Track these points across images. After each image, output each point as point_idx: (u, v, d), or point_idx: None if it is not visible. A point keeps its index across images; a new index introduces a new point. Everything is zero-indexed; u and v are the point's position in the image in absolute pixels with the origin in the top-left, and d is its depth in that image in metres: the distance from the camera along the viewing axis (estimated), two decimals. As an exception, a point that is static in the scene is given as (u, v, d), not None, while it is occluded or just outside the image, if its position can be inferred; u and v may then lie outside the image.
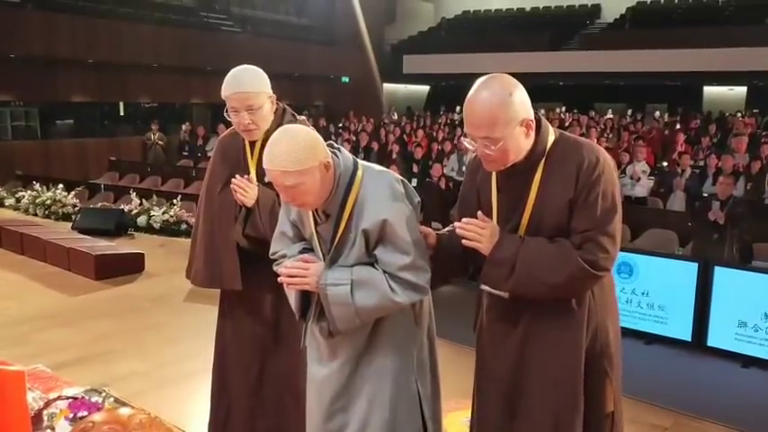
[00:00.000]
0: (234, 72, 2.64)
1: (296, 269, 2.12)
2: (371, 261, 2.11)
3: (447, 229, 2.29)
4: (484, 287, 2.18)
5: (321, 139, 2.07)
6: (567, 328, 2.08)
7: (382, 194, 2.08)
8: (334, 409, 2.22)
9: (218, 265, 2.80)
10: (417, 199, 2.18)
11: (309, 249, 2.24)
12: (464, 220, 2.08)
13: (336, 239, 2.11)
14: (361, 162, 2.17)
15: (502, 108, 1.93)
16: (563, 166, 2.02)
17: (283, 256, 2.26)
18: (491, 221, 2.10)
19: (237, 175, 2.68)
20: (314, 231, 2.18)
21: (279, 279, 2.15)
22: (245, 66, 2.69)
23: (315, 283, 2.09)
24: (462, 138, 2.10)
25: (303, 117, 2.88)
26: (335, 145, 2.18)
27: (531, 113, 2.00)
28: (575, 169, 2.00)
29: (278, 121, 2.68)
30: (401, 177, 2.20)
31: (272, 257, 2.30)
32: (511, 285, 2.04)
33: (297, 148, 1.97)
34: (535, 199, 2.04)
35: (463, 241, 2.07)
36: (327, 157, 2.04)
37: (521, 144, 2.00)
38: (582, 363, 2.09)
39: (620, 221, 2.04)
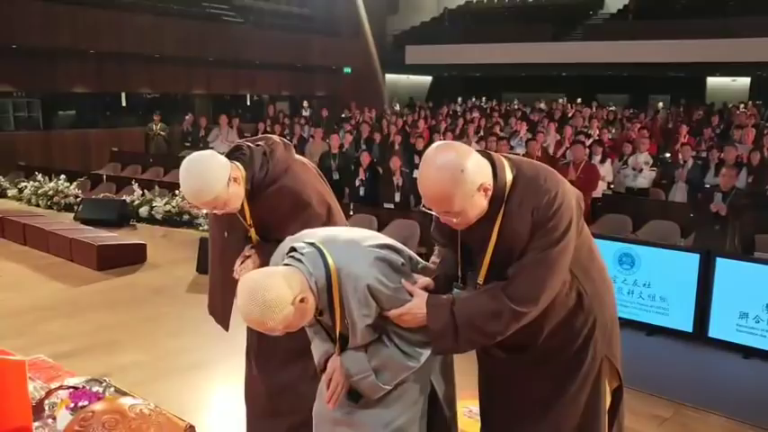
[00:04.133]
0: (182, 179, 2.49)
1: (330, 394, 2.16)
2: (378, 335, 2.13)
3: (433, 258, 2.30)
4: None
5: (285, 274, 1.97)
6: (560, 334, 2.14)
7: (362, 287, 2.02)
8: (345, 406, 2.23)
9: (214, 301, 3.04)
10: (401, 260, 2.13)
11: None
12: (392, 317, 2.06)
13: (337, 329, 2.12)
14: (330, 245, 2.07)
15: (456, 186, 1.87)
16: (521, 209, 1.99)
17: None
18: (410, 302, 2.05)
19: (237, 262, 2.69)
20: (316, 320, 2.18)
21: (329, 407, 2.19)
22: (192, 167, 2.48)
23: (346, 382, 2.15)
24: (422, 207, 2.07)
25: (275, 139, 2.80)
26: (298, 249, 2.06)
27: (486, 175, 1.95)
28: (530, 213, 1.98)
29: (251, 172, 2.63)
30: (377, 249, 2.10)
31: None
32: (463, 347, 2.06)
33: (266, 308, 1.89)
34: (495, 242, 2.03)
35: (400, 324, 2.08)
36: (299, 293, 1.95)
37: (482, 205, 1.96)
38: (572, 361, 2.16)
39: (568, 253, 2.01)
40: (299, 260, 2.03)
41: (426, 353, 2.13)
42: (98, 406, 2.11)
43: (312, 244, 2.06)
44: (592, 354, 2.16)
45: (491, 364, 2.31)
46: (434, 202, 1.94)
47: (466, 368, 2.60)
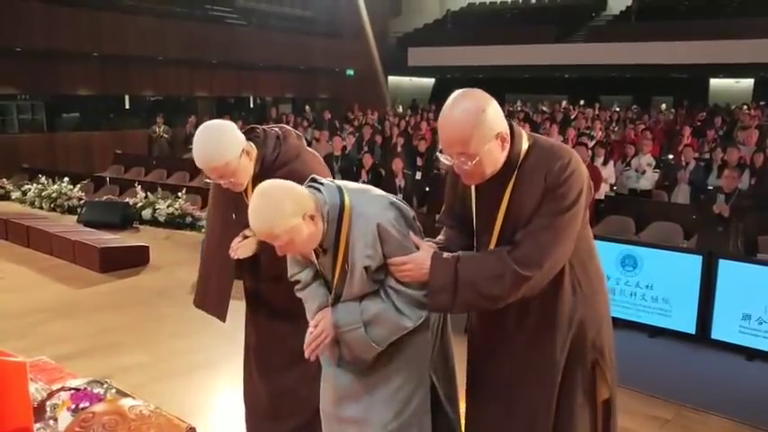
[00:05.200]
0: (196, 140, 2.51)
1: (312, 339, 2.15)
2: (376, 287, 2.13)
3: (440, 237, 2.29)
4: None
5: (301, 190, 2.05)
6: (549, 326, 2.11)
7: (372, 225, 2.06)
8: (347, 402, 2.24)
9: (206, 288, 2.91)
10: (412, 214, 2.18)
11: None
12: (390, 261, 2.07)
13: (337, 272, 2.13)
14: (347, 188, 2.14)
15: (476, 125, 1.92)
16: (533, 175, 2.02)
17: (298, 282, 2.30)
18: (415, 253, 2.08)
19: (235, 239, 2.67)
20: (317, 263, 2.20)
21: (306, 355, 2.17)
22: (206, 133, 2.50)
23: (332, 333, 2.14)
24: (438, 154, 2.10)
25: (288, 128, 2.81)
26: (318, 180, 2.16)
27: (505, 126, 2.00)
28: (543, 178, 2.00)
29: (263, 152, 2.63)
30: (392, 198, 2.17)
31: (290, 279, 2.34)
32: (458, 308, 2.06)
33: (276, 212, 1.97)
34: (506, 208, 2.05)
35: (397, 276, 2.09)
36: (310, 210, 2.02)
37: (497, 157, 2.00)
38: (559, 357, 2.12)
39: (575, 223, 2.02)
40: (318, 189, 2.10)
41: (422, 314, 2.12)
42: (98, 407, 2.11)
43: (333, 182, 2.14)
44: (581, 353, 2.13)
45: (478, 359, 2.29)
46: (452, 141, 1.96)
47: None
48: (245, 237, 2.67)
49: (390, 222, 2.07)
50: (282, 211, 1.96)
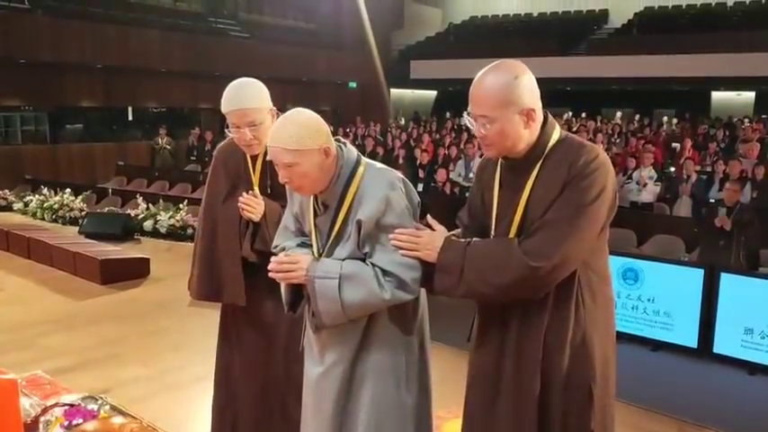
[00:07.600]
0: (233, 87, 2.60)
1: (285, 262, 2.13)
2: (363, 257, 2.11)
3: (453, 232, 2.26)
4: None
5: (326, 126, 2.11)
6: (547, 345, 2.00)
7: (381, 190, 2.08)
8: (333, 412, 2.21)
9: (218, 279, 2.81)
10: (417, 200, 2.19)
11: (308, 245, 2.24)
12: (397, 230, 2.07)
13: (334, 232, 2.13)
14: (364, 159, 2.19)
15: (503, 89, 1.92)
16: (559, 165, 1.97)
17: (282, 249, 2.28)
18: (427, 230, 2.09)
19: (244, 193, 2.66)
20: (312, 223, 2.19)
21: (270, 274, 2.15)
22: (245, 80, 2.63)
23: (303, 276, 2.09)
24: (465, 114, 2.09)
25: None
26: (342, 140, 2.20)
27: (535, 104, 1.96)
28: (567, 168, 1.95)
29: None
30: (402, 176, 2.20)
31: (272, 251, 2.32)
32: (462, 290, 2.01)
33: (299, 128, 2.03)
34: (527, 197, 2.01)
35: (401, 252, 2.06)
36: (329, 144, 2.08)
37: (519, 132, 1.96)
38: (538, 376, 2.02)
39: (592, 222, 1.93)
40: (339, 147, 2.16)
41: (401, 296, 2.06)
42: (89, 425, 2.10)
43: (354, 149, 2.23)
44: (570, 372, 2.01)
45: (473, 366, 2.24)
46: (476, 101, 1.97)
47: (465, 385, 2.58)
48: (255, 196, 2.67)
49: (399, 194, 2.10)
50: (308, 131, 2.03)
